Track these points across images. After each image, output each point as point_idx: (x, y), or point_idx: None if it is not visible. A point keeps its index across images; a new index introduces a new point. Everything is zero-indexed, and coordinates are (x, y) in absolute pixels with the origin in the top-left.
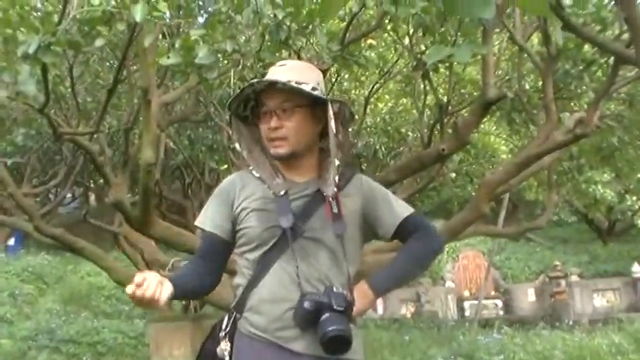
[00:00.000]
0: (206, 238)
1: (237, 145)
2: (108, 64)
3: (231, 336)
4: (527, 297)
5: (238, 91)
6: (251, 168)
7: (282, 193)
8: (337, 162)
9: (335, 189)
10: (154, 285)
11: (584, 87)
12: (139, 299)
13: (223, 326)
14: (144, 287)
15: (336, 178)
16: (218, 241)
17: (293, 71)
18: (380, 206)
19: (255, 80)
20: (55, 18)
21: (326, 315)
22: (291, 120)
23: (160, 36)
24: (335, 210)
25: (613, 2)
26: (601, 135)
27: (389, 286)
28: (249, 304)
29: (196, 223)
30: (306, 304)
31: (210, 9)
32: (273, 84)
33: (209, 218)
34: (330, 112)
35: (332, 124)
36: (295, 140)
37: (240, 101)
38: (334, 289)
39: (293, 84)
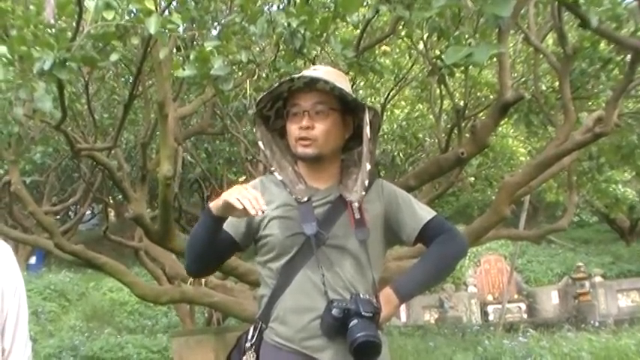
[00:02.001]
0: None
1: (260, 144)
2: (123, 79)
3: (257, 347)
4: (550, 299)
5: (275, 85)
6: (273, 169)
7: (304, 199)
8: (369, 166)
9: (363, 194)
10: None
11: (601, 86)
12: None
13: (249, 337)
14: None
15: (366, 181)
16: (228, 238)
17: (328, 76)
18: (402, 210)
19: (296, 75)
20: (69, 34)
21: (354, 321)
22: (323, 122)
23: (175, 49)
24: (357, 216)
25: None
26: (620, 133)
27: (414, 291)
28: (275, 314)
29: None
30: (334, 312)
31: (223, 20)
32: (312, 83)
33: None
34: (367, 118)
35: (367, 129)
36: (324, 142)
37: (270, 99)
38: (361, 296)
39: (336, 84)
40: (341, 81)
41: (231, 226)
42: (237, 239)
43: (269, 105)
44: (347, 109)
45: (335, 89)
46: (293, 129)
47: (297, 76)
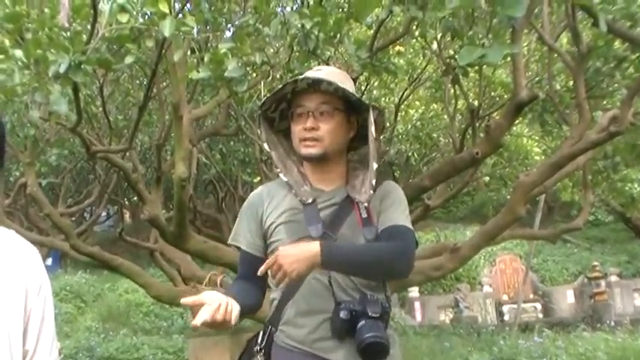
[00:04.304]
0: (243, 256)
1: (265, 146)
2: (138, 82)
3: (267, 350)
4: (566, 299)
5: (279, 87)
6: (278, 170)
7: (309, 201)
8: (376, 165)
9: (371, 193)
10: (224, 306)
11: (615, 84)
12: (210, 323)
13: (259, 340)
14: (214, 310)
15: (374, 180)
16: (254, 258)
17: (331, 76)
18: (386, 208)
19: (300, 77)
20: (84, 37)
21: (362, 322)
22: (327, 122)
23: (189, 51)
24: (364, 215)
25: None
26: (635, 132)
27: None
28: (286, 318)
29: (230, 241)
30: (342, 314)
31: (237, 22)
32: (315, 84)
33: (242, 236)
34: (372, 118)
35: (372, 129)
36: (329, 142)
37: (274, 101)
38: (369, 297)
39: (339, 85)
40: (344, 81)
41: (252, 245)
42: (262, 255)
43: (273, 107)
44: (351, 108)
45: (338, 90)
46: (297, 130)
47: (300, 77)
